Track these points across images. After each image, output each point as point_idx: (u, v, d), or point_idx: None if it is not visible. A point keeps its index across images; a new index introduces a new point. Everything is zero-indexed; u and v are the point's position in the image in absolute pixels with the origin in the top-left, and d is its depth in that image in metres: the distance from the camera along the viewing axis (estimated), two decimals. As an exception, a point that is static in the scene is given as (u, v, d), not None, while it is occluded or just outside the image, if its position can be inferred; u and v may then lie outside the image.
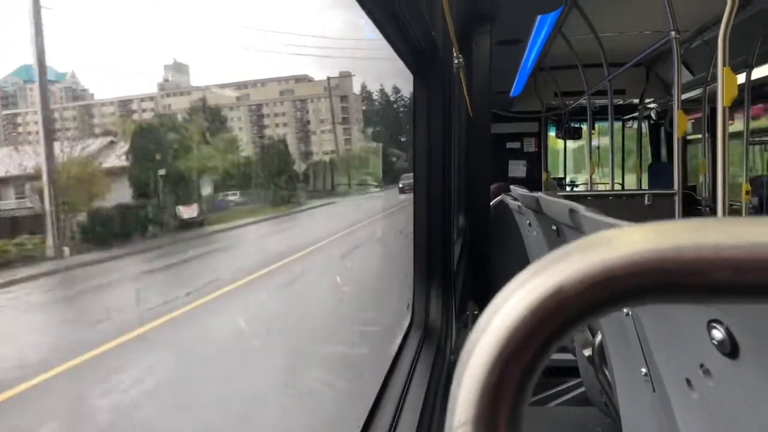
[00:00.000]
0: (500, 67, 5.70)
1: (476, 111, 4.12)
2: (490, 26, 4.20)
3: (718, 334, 0.84)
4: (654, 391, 1.44)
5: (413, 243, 2.43)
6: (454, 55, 2.39)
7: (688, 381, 1.03)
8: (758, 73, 5.98)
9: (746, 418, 0.90)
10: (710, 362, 0.92)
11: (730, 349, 0.83)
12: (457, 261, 3.68)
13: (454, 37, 2.24)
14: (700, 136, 7.85)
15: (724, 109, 3.26)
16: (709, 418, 1.01)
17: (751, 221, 0.34)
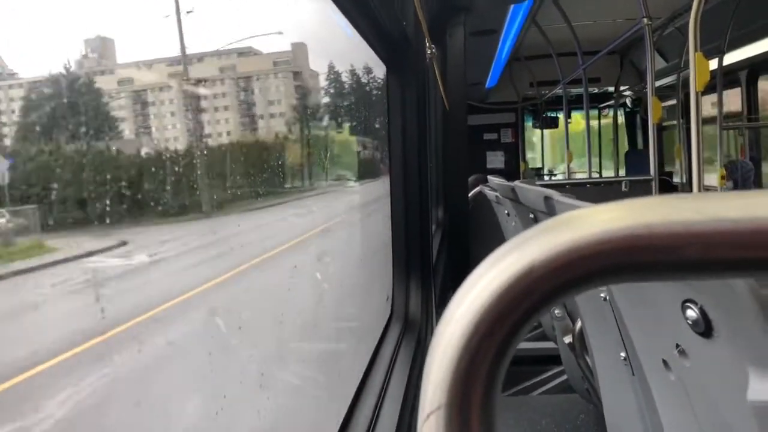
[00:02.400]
0: (475, 58, 5.70)
1: (452, 103, 4.11)
2: (464, 17, 4.20)
3: (692, 313, 0.84)
4: (633, 374, 1.44)
5: (391, 236, 2.41)
6: (427, 46, 2.37)
7: (665, 362, 1.03)
8: (730, 58, 6.05)
9: (722, 395, 0.90)
10: (685, 342, 0.92)
11: (704, 328, 0.83)
12: (437, 253, 3.68)
13: (426, 28, 2.23)
14: (674, 122, 7.94)
15: (697, 94, 3.29)
16: (687, 398, 1.01)
17: (720, 196, 0.34)
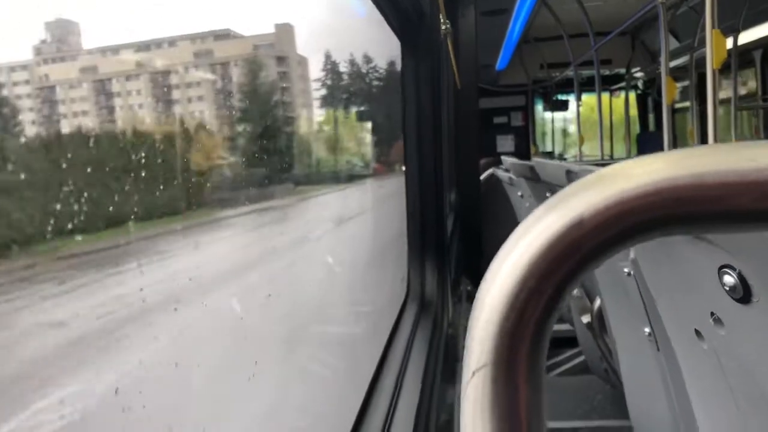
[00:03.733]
0: (486, 39, 5.66)
1: (463, 83, 4.08)
2: (476, -4, 4.16)
3: (729, 279, 0.82)
4: (658, 350, 1.42)
5: (406, 217, 2.39)
6: (441, 21, 2.34)
7: (697, 332, 1.01)
8: (744, 37, 5.97)
9: (759, 363, 0.88)
10: (721, 310, 0.90)
11: (743, 293, 0.81)
12: (450, 236, 3.66)
13: (441, 2, 2.19)
14: (687, 104, 7.86)
15: (713, 72, 3.24)
16: (719, 368, 0.99)
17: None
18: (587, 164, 6.23)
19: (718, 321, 0.91)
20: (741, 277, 0.81)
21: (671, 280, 1.09)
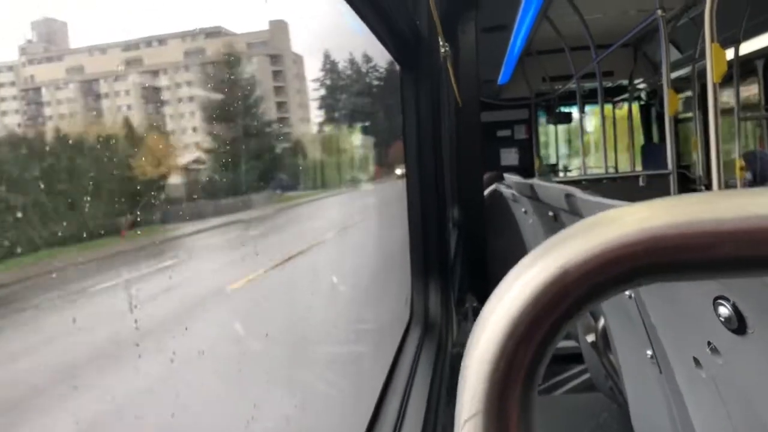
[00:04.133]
0: (487, 54, 5.68)
1: (465, 100, 4.09)
2: (475, 13, 4.18)
3: (724, 310, 0.83)
4: (661, 372, 1.42)
5: (408, 237, 2.40)
6: (441, 43, 2.35)
7: (696, 360, 1.01)
8: (746, 48, 5.97)
9: (756, 393, 0.88)
10: (717, 339, 0.90)
11: (738, 325, 0.82)
12: (454, 253, 3.66)
13: (439, 25, 2.21)
14: (690, 114, 7.85)
15: (714, 85, 3.25)
16: (718, 396, 0.99)
17: (751, 192, 0.34)
18: (591, 177, 6.22)
19: (715, 350, 0.91)
20: (735, 309, 0.81)
21: (669, 308, 1.09)
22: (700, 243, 0.32)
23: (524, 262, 0.35)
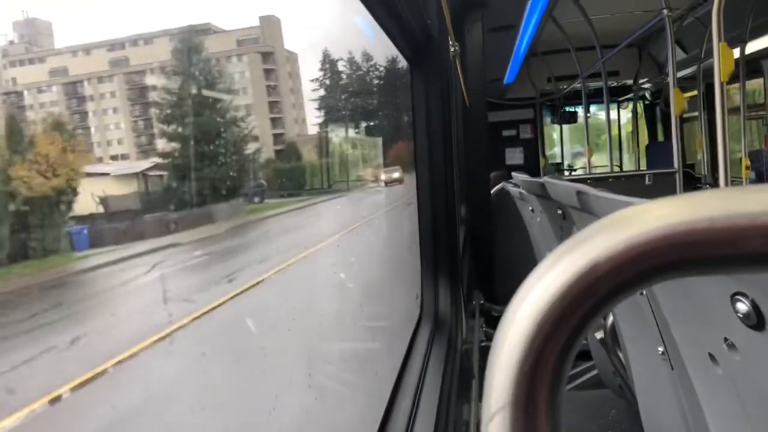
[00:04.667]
0: (493, 54, 5.68)
1: (472, 99, 4.11)
2: (482, 13, 4.19)
3: (742, 306, 0.83)
4: (672, 369, 1.42)
5: (419, 235, 2.41)
6: (450, 42, 2.37)
7: (712, 356, 1.01)
8: (752, 47, 5.97)
9: None
10: (735, 336, 0.91)
11: (756, 321, 0.82)
12: (462, 251, 3.67)
13: (450, 24, 2.22)
14: (695, 114, 7.84)
15: (721, 84, 3.25)
16: (735, 393, 1.00)
17: None
18: (597, 176, 6.22)
19: (732, 346, 0.92)
20: (754, 305, 0.82)
21: (684, 304, 1.10)
22: (728, 237, 0.32)
23: (553, 256, 0.35)
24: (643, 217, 0.34)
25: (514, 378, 0.33)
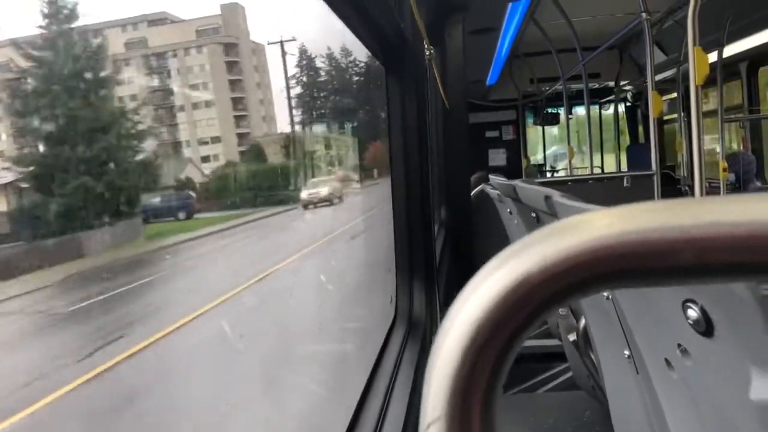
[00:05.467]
0: (475, 56, 5.71)
1: (452, 102, 4.11)
2: (463, 16, 4.20)
3: (693, 313, 0.85)
4: (637, 372, 1.44)
5: (394, 238, 2.41)
6: (425, 46, 2.37)
7: (668, 361, 1.03)
8: (729, 50, 6.04)
9: (725, 394, 0.90)
10: (687, 341, 0.92)
11: (705, 327, 0.83)
12: (441, 253, 3.68)
13: (423, 28, 2.23)
14: (676, 116, 7.91)
15: (696, 88, 3.28)
16: (690, 396, 1.01)
17: (716, 200, 0.33)
18: (577, 178, 6.25)
19: (685, 352, 0.94)
20: (703, 312, 0.83)
21: (642, 310, 1.12)
22: (660, 250, 0.32)
23: (487, 268, 0.35)
24: (578, 229, 0.34)
25: (449, 388, 0.33)
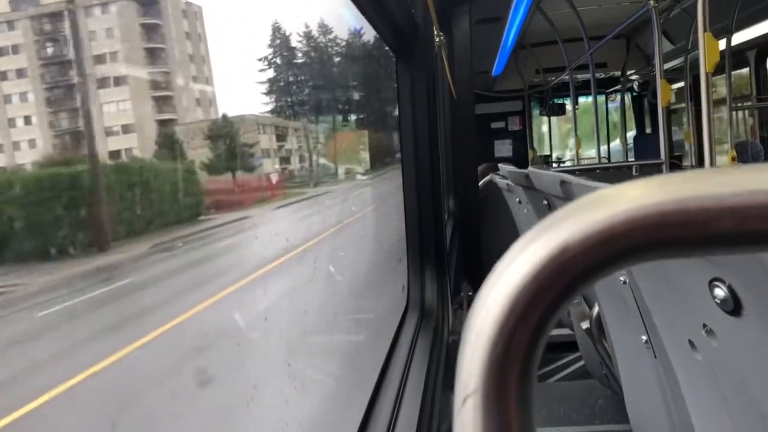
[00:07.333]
0: (481, 46, 5.69)
1: (459, 91, 4.10)
2: (470, 5, 4.18)
3: (720, 292, 0.84)
4: (655, 357, 1.43)
5: (405, 226, 2.41)
6: (435, 33, 2.36)
7: (691, 342, 1.02)
8: (738, 38, 5.99)
9: (751, 375, 0.90)
10: (713, 321, 0.91)
11: (733, 306, 0.82)
12: (449, 243, 3.67)
13: (434, 15, 2.21)
14: (683, 105, 7.88)
15: (707, 74, 3.26)
16: (714, 379, 1.00)
17: (751, 168, 0.33)
18: (584, 167, 6.24)
19: (710, 333, 0.93)
20: (731, 291, 0.82)
21: (664, 291, 1.11)
22: (699, 219, 0.31)
23: (524, 239, 0.35)
24: (616, 199, 0.33)
25: (485, 362, 0.32)
